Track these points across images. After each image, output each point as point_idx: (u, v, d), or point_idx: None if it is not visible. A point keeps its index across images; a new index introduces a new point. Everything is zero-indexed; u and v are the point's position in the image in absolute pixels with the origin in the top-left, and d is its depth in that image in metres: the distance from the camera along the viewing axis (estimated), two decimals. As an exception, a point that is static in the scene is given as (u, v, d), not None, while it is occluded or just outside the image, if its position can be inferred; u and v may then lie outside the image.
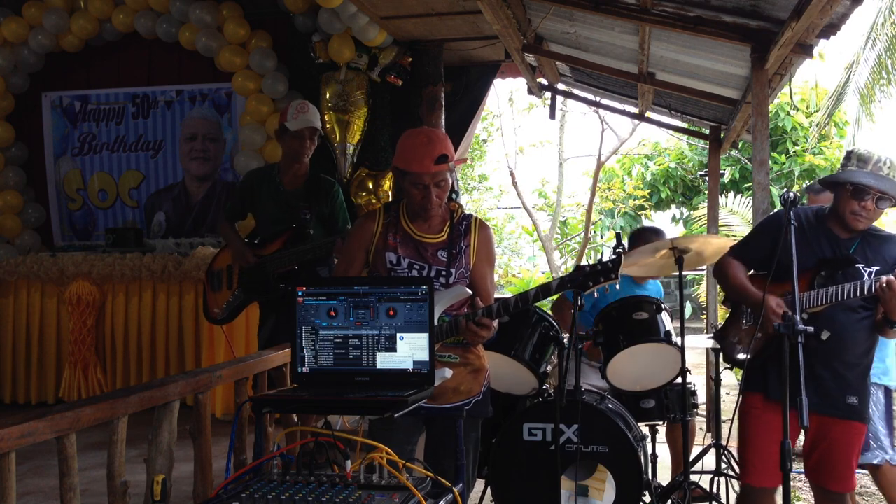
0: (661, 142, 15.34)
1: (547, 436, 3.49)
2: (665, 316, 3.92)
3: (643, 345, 3.77)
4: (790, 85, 4.94)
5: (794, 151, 12.86)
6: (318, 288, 2.35)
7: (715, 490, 4.02)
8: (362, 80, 6.47)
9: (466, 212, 2.84)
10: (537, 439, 3.51)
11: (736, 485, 3.90)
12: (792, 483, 2.63)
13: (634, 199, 14.58)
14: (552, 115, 8.07)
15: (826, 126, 11.74)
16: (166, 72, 7.15)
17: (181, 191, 7.13)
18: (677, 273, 4.02)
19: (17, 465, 2.10)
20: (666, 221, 15.63)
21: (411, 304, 2.28)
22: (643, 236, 4.38)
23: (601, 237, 15.30)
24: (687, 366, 3.83)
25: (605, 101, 8.06)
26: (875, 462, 3.70)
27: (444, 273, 2.67)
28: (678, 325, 3.89)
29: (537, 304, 3.40)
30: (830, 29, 3.60)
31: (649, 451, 4.00)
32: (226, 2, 6.69)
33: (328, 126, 6.50)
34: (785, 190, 2.99)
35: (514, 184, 13.86)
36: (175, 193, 7.14)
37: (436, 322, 2.40)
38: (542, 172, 16.47)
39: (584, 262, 2.61)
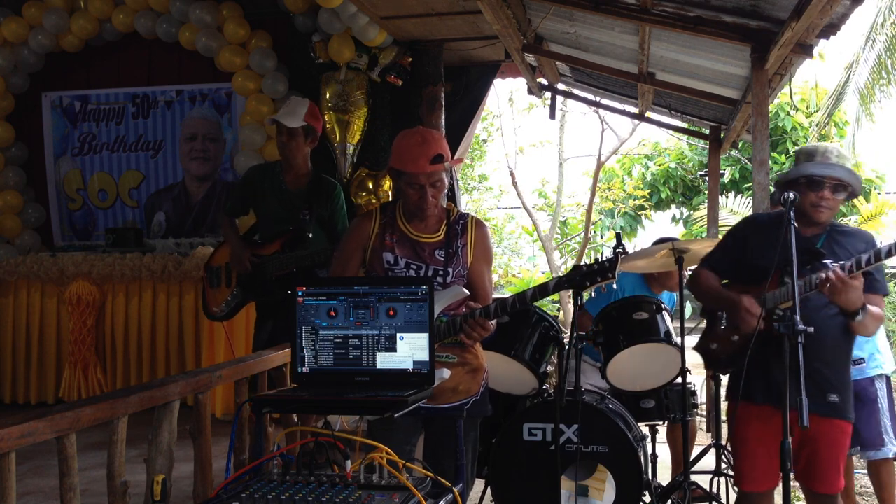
0: (661, 142, 15.33)
1: (547, 436, 3.49)
2: (665, 316, 3.92)
3: (643, 345, 3.77)
4: (790, 85, 4.94)
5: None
6: (318, 288, 2.35)
7: (715, 490, 4.01)
8: (362, 80, 6.47)
9: (463, 211, 2.84)
10: (537, 439, 3.51)
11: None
12: (792, 483, 2.63)
13: (634, 199, 14.58)
14: (552, 115, 8.07)
15: (826, 126, 11.73)
16: (166, 72, 7.15)
17: (181, 191, 7.13)
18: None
19: (17, 465, 2.10)
20: (666, 221, 15.63)
21: (411, 304, 2.28)
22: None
23: (601, 237, 15.30)
24: (687, 366, 3.83)
25: (605, 101, 8.06)
26: (890, 456, 3.69)
27: (441, 273, 2.67)
28: (678, 325, 3.89)
29: (538, 305, 3.42)
30: (830, 29, 3.60)
31: (649, 451, 4.00)
32: (226, 2, 6.69)
33: (328, 126, 6.50)
34: (784, 190, 3.00)
35: (514, 184, 13.84)
36: (175, 193, 7.14)
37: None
38: (542, 172, 16.46)
39: (582, 262, 2.61)
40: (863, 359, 3.68)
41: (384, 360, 2.29)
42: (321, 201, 4.31)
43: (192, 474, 3.03)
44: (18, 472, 2.14)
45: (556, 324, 3.80)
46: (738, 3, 3.83)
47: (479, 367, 2.77)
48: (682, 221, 15.26)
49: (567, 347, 3.43)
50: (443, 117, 6.54)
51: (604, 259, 2.51)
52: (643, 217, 14.97)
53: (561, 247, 15.05)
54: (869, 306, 2.75)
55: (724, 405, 4.58)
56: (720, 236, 3.59)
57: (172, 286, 6.18)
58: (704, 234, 8.99)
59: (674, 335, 3.88)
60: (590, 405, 3.49)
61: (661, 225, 15.50)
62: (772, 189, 3.97)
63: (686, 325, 3.92)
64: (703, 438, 5.43)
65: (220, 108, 7.01)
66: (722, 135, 6.79)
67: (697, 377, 5.02)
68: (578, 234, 14.62)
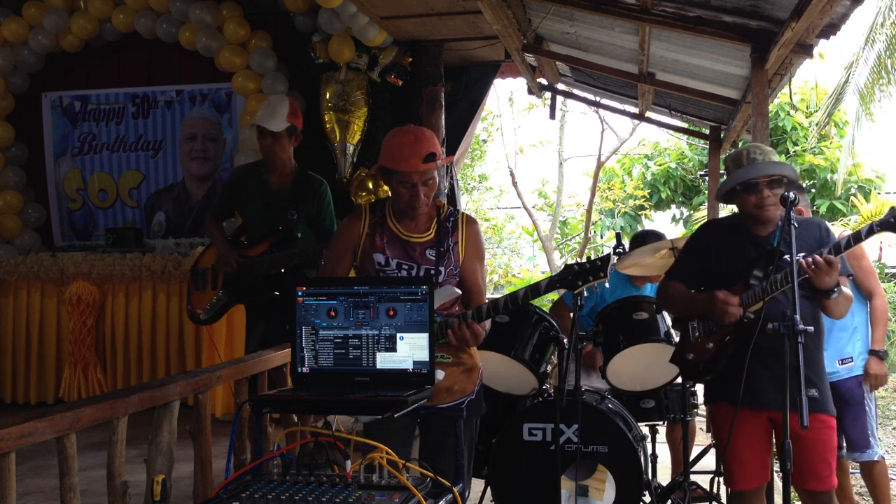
0: (661, 142, 15.33)
1: (547, 436, 3.49)
2: (665, 316, 3.92)
3: (643, 345, 3.77)
4: (790, 85, 4.94)
5: (794, 151, 12.86)
6: (318, 288, 2.35)
7: (715, 490, 4.01)
8: (362, 80, 6.47)
9: (453, 208, 2.83)
10: (537, 439, 3.51)
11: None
12: (778, 483, 2.64)
13: (634, 199, 14.58)
14: (552, 115, 8.07)
15: (826, 126, 11.74)
16: (166, 72, 7.14)
17: (181, 191, 7.13)
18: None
19: (17, 465, 2.10)
20: (666, 221, 15.62)
21: (411, 304, 2.28)
22: (646, 240, 4.38)
23: (601, 237, 15.30)
24: (687, 366, 3.82)
25: (605, 101, 8.07)
26: (875, 459, 3.72)
27: (433, 272, 2.66)
28: (678, 325, 3.89)
29: (538, 305, 3.42)
30: (830, 29, 3.60)
31: (649, 451, 4.00)
32: (226, 2, 6.69)
33: (328, 126, 6.50)
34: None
35: (514, 184, 13.85)
36: (175, 193, 7.14)
37: None
38: (542, 172, 16.46)
39: (572, 261, 2.60)
40: (851, 357, 3.69)
41: (384, 360, 2.29)
42: (308, 199, 4.25)
43: (192, 474, 3.02)
44: (18, 472, 2.13)
45: (556, 324, 3.80)
46: (738, 3, 3.83)
47: (473, 366, 2.76)
48: (682, 221, 15.26)
49: (567, 348, 3.44)
50: (443, 117, 6.55)
51: (596, 258, 2.50)
52: (643, 217, 14.96)
53: (561, 247, 15.05)
54: (842, 286, 2.80)
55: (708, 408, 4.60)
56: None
57: (172, 286, 6.18)
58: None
59: (674, 335, 3.87)
60: (590, 405, 3.49)
61: (661, 225, 15.50)
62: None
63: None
64: (702, 438, 5.42)
65: (220, 108, 7.01)
66: (722, 135, 6.79)
67: (697, 377, 5.01)
68: (578, 234, 14.63)
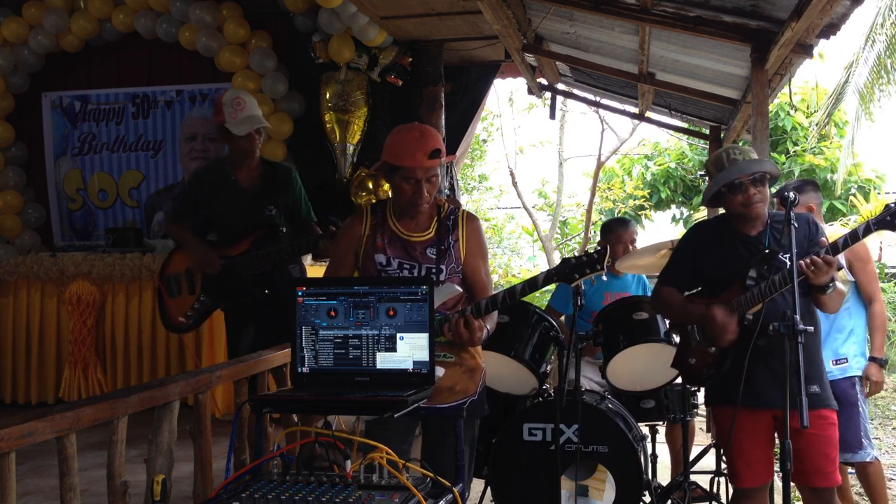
0: (661, 142, 15.33)
1: (547, 436, 3.49)
2: (665, 316, 3.92)
3: (643, 345, 3.77)
4: (790, 85, 4.94)
5: (794, 151, 12.86)
6: (318, 288, 2.35)
7: (715, 490, 4.02)
8: (362, 80, 6.47)
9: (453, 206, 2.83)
10: (537, 439, 3.51)
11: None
12: (779, 482, 2.64)
13: (634, 199, 14.58)
14: (552, 115, 8.08)
15: (826, 126, 11.74)
16: (166, 72, 7.14)
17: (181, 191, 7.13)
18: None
19: (17, 465, 2.10)
20: (666, 221, 15.62)
21: (411, 303, 2.28)
22: (612, 228, 4.46)
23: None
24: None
25: (605, 101, 8.07)
26: (868, 460, 3.72)
27: (434, 270, 2.66)
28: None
29: (538, 305, 3.42)
30: (830, 29, 3.60)
31: (649, 451, 4.00)
32: (226, 2, 6.69)
33: (328, 126, 6.50)
34: (783, 189, 3.03)
35: (514, 184, 13.85)
36: (175, 193, 7.13)
37: None
38: (542, 172, 16.47)
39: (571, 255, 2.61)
40: (845, 357, 3.70)
41: (384, 360, 2.29)
42: (280, 191, 4.14)
43: (192, 474, 3.02)
44: (18, 472, 2.13)
45: (556, 324, 3.80)
46: (738, 3, 3.83)
47: (476, 366, 2.75)
48: (682, 221, 15.26)
49: (567, 348, 3.44)
50: (443, 117, 6.55)
51: (593, 251, 2.51)
52: (643, 217, 14.96)
53: (561, 247, 15.05)
54: (836, 280, 2.81)
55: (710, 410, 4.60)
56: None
57: (172, 286, 6.17)
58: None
59: (674, 335, 3.88)
60: (590, 405, 3.49)
61: (661, 225, 15.50)
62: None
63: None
64: (702, 438, 5.43)
65: (221, 108, 7.00)
66: (722, 135, 6.79)
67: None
68: (578, 234, 14.63)
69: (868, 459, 3.73)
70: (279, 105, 6.63)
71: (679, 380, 3.86)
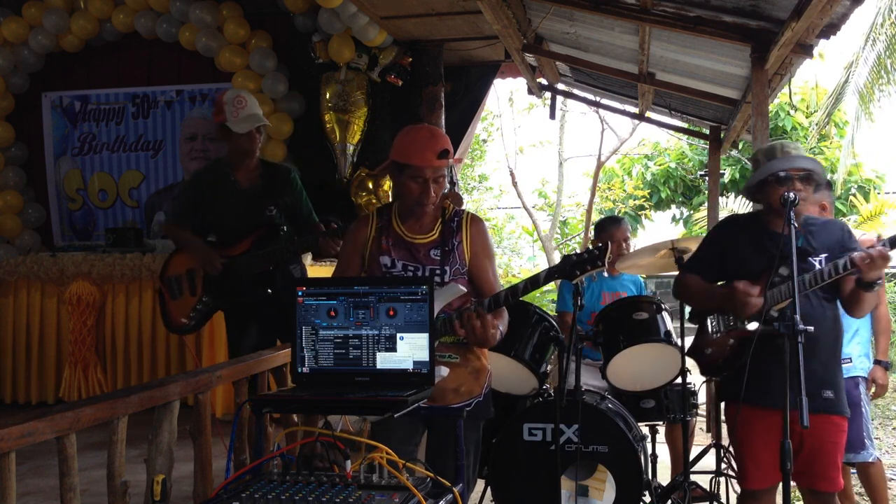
0: (661, 142, 15.34)
1: (547, 436, 3.49)
2: (665, 316, 3.93)
3: (643, 345, 3.77)
4: (790, 85, 4.94)
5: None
6: (318, 288, 2.35)
7: (715, 490, 4.02)
8: (362, 80, 6.47)
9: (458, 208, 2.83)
10: (537, 439, 3.51)
11: (736, 485, 3.91)
12: (792, 483, 2.63)
13: (634, 199, 14.59)
14: (552, 115, 8.07)
15: (826, 126, 11.74)
16: (166, 72, 7.15)
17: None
18: (677, 273, 4.02)
19: (17, 465, 2.10)
20: (666, 221, 15.63)
21: (411, 304, 2.28)
22: (605, 227, 4.47)
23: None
24: (687, 366, 3.83)
25: (605, 101, 8.07)
26: (870, 460, 3.73)
27: (438, 272, 2.66)
28: (678, 325, 3.89)
29: (538, 305, 3.42)
30: (830, 29, 3.60)
31: (649, 451, 4.00)
32: (226, 2, 6.69)
33: (328, 126, 6.50)
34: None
35: (514, 184, 13.85)
36: (175, 193, 7.13)
37: None
38: (542, 172, 16.47)
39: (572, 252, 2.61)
40: (849, 358, 3.70)
41: (384, 360, 2.29)
42: (280, 191, 4.15)
43: (192, 474, 3.02)
44: (18, 472, 2.13)
45: (557, 324, 3.80)
46: (738, 3, 3.83)
47: (481, 368, 2.75)
48: (682, 221, 15.26)
49: (567, 348, 3.43)
50: (443, 117, 6.55)
51: (593, 247, 2.51)
52: (643, 217, 14.97)
53: (561, 247, 15.05)
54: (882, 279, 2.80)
55: (723, 405, 4.60)
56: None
57: (172, 286, 6.17)
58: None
59: (674, 335, 3.88)
60: (590, 405, 3.49)
61: (661, 225, 15.51)
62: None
63: (686, 325, 3.92)
64: (702, 438, 5.43)
65: (220, 108, 7.00)
66: (722, 135, 6.79)
67: (697, 377, 5.02)
68: (578, 234, 14.63)
69: (870, 460, 3.73)
70: (279, 105, 6.64)
71: (679, 380, 3.87)
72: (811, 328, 2.56)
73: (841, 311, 2.95)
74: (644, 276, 4.75)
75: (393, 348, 2.29)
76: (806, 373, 2.78)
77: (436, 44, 6.48)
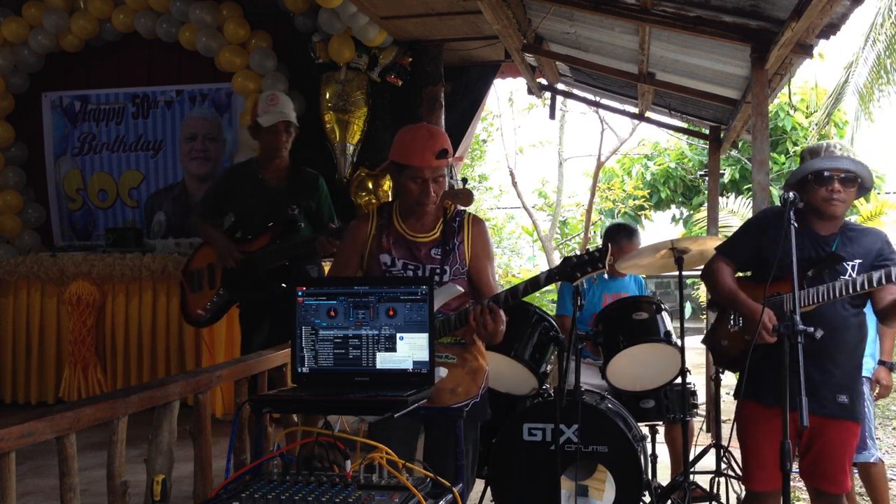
0: (661, 142, 15.34)
1: (547, 436, 3.49)
2: (665, 316, 3.93)
3: (643, 345, 3.78)
4: (790, 85, 4.94)
5: (794, 151, 12.86)
6: (318, 288, 2.35)
7: (715, 490, 4.02)
8: (362, 80, 6.47)
9: (460, 208, 2.83)
10: (537, 439, 3.51)
11: (736, 485, 3.91)
12: (792, 483, 2.63)
13: (634, 199, 14.59)
14: (552, 115, 8.07)
15: (826, 126, 11.74)
16: (166, 72, 7.15)
17: (181, 191, 7.13)
18: (677, 273, 4.03)
19: (17, 465, 2.10)
20: (666, 221, 15.64)
21: (411, 304, 2.28)
22: (616, 237, 4.41)
23: (601, 237, 15.30)
24: (687, 366, 3.83)
25: (605, 101, 8.06)
26: (871, 461, 3.73)
27: (438, 271, 2.66)
28: (678, 325, 3.89)
29: (538, 306, 3.42)
30: (830, 29, 3.60)
31: (649, 451, 4.00)
32: (226, 2, 6.69)
33: (328, 126, 6.50)
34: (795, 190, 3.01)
35: (514, 184, 13.86)
36: (175, 193, 7.14)
37: None
38: (542, 172, 16.48)
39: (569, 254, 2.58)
40: None
41: (384, 360, 2.29)
42: (305, 194, 4.24)
43: (192, 474, 3.03)
44: (18, 472, 2.13)
45: (556, 324, 3.80)
46: (738, 3, 3.83)
47: (478, 368, 2.75)
48: (681, 221, 15.26)
49: (567, 348, 3.43)
50: (443, 117, 6.55)
51: (594, 249, 2.50)
52: (643, 217, 14.97)
53: (561, 247, 15.06)
54: None
55: (724, 405, 4.60)
56: (719, 236, 3.58)
57: (172, 286, 6.17)
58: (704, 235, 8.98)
59: (674, 335, 3.88)
60: (590, 405, 3.49)
61: (662, 225, 15.51)
62: (775, 190, 3.98)
63: (686, 325, 3.92)
64: (702, 438, 5.42)
65: (220, 108, 7.01)
66: (722, 135, 6.79)
67: (697, 377, 5.02)
68: (578, 234, 14.63)
69: (872, 460, 3.73)
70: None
71: (679, 380, 3.87)
72: (811, 328, 2.55)
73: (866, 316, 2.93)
74: (644, 276, 4.75)
75: (393, 348, 2.29)
76: (823, 376, 2.79)
77: (436, 44, 6.48)
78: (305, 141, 6.65)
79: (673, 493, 3.87)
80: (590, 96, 8.13)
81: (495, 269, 2.88)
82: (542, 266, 15.49)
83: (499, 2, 4.60)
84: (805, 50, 3.93)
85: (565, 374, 3.34)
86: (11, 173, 7.29)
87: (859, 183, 2.87)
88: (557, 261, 14.57)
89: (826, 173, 2.81)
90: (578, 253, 2.55)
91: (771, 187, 4.21)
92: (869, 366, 3.76)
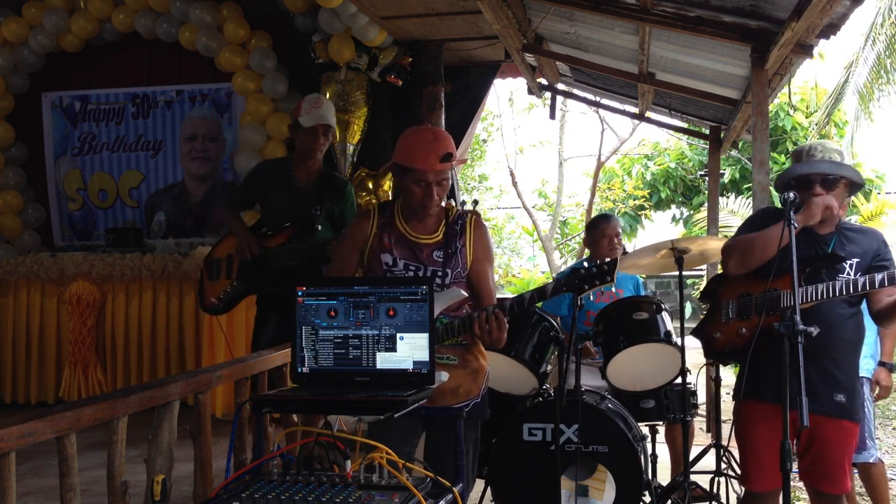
0: (661, 142, 15.35)
1: (547, 436, 3.49)
2: (665, 316, 3.92)
3: (643, 345, 3.77)
4: (790, 85, 4.94)
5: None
6: (318, 288, 2.35)
7: (715, 490, 4.02)
8: (362, 80, 6.47)
9: (462, 210, 2.83)
10: (537, 439, 3.51)
11: (736, 485, 3.91)
12: (792, 483, 2.63)
13: (634, 199, 14.60)
14: (552, 115, 8.08)
15: (826, 126, 11.74)
16: (166, 72, 7.15)
17: (181, 191, 7.13)
18: (677, 273, 4.03)
19: (17, 465, 2.10)
20: (666, 221, 15.64)
21: (411, 304, 2.28)
22: (595, 224, 4.46)
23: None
24: (687, 366, 3.83)
25: (605, 101, 8.07)
26: (871, 461, 3.73)
27: (440, 274, 2.65)
28: (678, 325, 3.89)
29: (538, 306, 3.42)
30: (830, 29, 3.60)
31: (649, 451, 4.00)
32: (226, 2, 6.69)
33: (328, 126, 6.51)
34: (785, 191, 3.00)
35: (514, 184, 13.87)
36: (175, 193, 7.14)
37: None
38: (542, 172, 16.50)
39: (573, 262, 2.59)
40: None
41: (384, 360, 2.29)
42: (332, 197, 4.32)
43: (192, 474, 3.03)
44: (18, 472, 2.14)
45: (557, 324, 3.80)
46: (738, 3, 3.83)
47: (479, 368, 2.75)
48: (682, 221, 15.27)
49: (567, 348, 3.43)
50: (443, 117, 6.55)
51: (602, 262, 2.50)
52: (643, 217, 14.97)
53: (561, 247, 15.07)
54: None
55: (724, 405, 4.59)
56: (721, 236, 3.57)
57: (172, 286, 6.18)
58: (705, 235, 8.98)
59: (674, 335, 3.88)
60: (590, 405, 3.49)
61: (661, 225, 15.51)
62: (775, 190, 3.98)
63: (686, 325, 3.92)
64: (702, 438, 5.43)
65: (220, 108, 7.01)
66: (722, 135, 6.79)
67: (697, 377, 5.02)
68: (578, 234, 14.63)
69: (872, 460, 3.73)
70: (279, 105, 6.64)
71: (679, 380, 3.87)
72: (811, 328, 2.55)
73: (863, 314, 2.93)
74: (644, 276, 4.75)
75: (393, 348, 2.29)
76: (821, 375, 2.78)
77: (436, 44, 6.48)
78: (305, 141, 6.68)
79: (673, 493, 3.87)
80: (590, 96, 8.14)
81: (494, 273, 2.87)
82: (543, 266, 15.50)
83: (499, 2, 4.60)
84: (805, 50, 3.93)
85: (565, 374, 3.34)
86: (11, 173, 7.29)
87: (847, 182, 2.87)
88: (557, 261, 14.58)
89: (806, 178, 2.82)
90: (587, 265, 2.54)
91: (771, 187, 4.20)
92: (869, 367, 3.76)
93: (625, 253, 4.29)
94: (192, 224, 7.07)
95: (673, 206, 15.27)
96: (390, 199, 6.23)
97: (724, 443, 4.04)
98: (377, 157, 6.51)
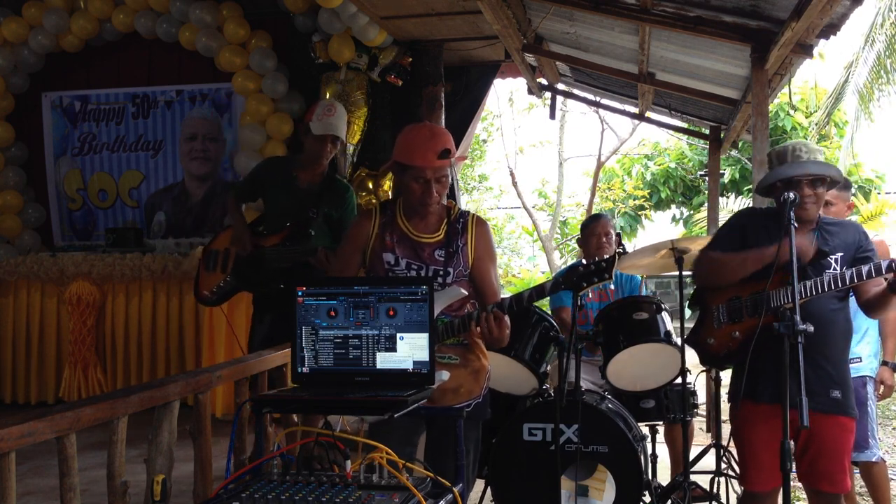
0: (661, 142, 15.36)
1: (547, 436, 3.49)
2: (665, 316, 3.92)
3: (643, 345, 3.77)
4: (790, 85, 4.94)
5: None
6: (318, 288, 2.35)
7: (715, 490, 4.02)
8: (362, 80, 6.47)
9: (463, 209, 2.83)
10: (537, 439, 3.51)
11: (736, 485, 3.91)
12: (792, 483, 2.63)
13: (634, 199, 14.60)
14: (552, 115, 8.08)
15: (826, 126, 11.75)
16: (166, 72, 7.15)
17: (181, 191, 7.13)
18: (677, 273, 4.03)
19: (17, 465, 2.10)
20: (666, 221, 15.65)
21: (411, 304, 2.28)
22: (587, 224, 4.47)
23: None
24: (687, 366, 3.83)
25: (605, 101, 8.07)
26: (874, 460, 3.72)
27: (441, 273, 2.65)
28: (678, 325, 3.89)
29: (538, 305, 3.42)
30: (830, 29, 3.60)
31: (649, 451, 4.00)
32: (226, 2, 6.69)
33: (328, 126, 6.50)
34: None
35: (514, 184, 13.87)
36: (175, 193, 7.14)
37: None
38: (542, 172, 16.50)
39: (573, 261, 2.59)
40: (859, 357, 3.70)
41: (384, 360, 2.29)
42: (332, 201, 4.31)
43: (192, 474, 3.03)
44: (18, 472, 2.14)
45: (557, 324, 3.80)
46: (738, 3, 3.83)
47: (480, 368, 2.75)
48: (682, 221, 15.27)
49: (567, 348, 3.43)
50: (443, 117, 6.55)
51: (601, 260, 2.50)
52: (643, 217, 14.98)
53: (561, 247, 15.07)
54: None
55: (724, 405, 4.59)
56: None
57: (172, 286, 6.18)
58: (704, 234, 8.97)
59: (674, 335, 3.88)
60: (590, 405, 3.49)
61: (661, 225, 15.52)
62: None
63: (686, 325, 3.92)
64: (702, 438, 5.43)
65: (220, 108, 7.01)
66: (722, 135, 6.79)
67: (697, 377, 5.02)
68: (578, 234, 14.65)
69: (874, 459, 3.73)
70: (279, 105, 6.63)
71: (679, 380, 3.87)
72: (811, 328, 2.55)
73: (851, 310, 2.94)
74: (644, 276, 4.74)
75: (393, 348, 2.29)
76: (815, 372, 2.78)
77: (436, 44, 6.48)
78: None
79: (673, 493, 3.87)
80: (590, 96, 8.14)
81: (498, 272, 2.87)
82: (543, 266, 15.50)
83: (499, 2, 4.60)
84: (805, 50, 3.94)
85: (565, 374, 3.34)
86: (11, 173, 7.29)
87: (830, 179, 2.88)
88: (557, 261, 14.57)
89: (794, 179, 2.82)
90: (585, 262, 2.53)
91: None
92: (872, 366, 3.75)
93: (625, 252, 4.28)
94: (192, 224, 7.07)
95: (673, 206, 15.27)
96: (391, 198, 6.24)
97: (724, 443, 4.04)
98: (377, 157, 6.51)
